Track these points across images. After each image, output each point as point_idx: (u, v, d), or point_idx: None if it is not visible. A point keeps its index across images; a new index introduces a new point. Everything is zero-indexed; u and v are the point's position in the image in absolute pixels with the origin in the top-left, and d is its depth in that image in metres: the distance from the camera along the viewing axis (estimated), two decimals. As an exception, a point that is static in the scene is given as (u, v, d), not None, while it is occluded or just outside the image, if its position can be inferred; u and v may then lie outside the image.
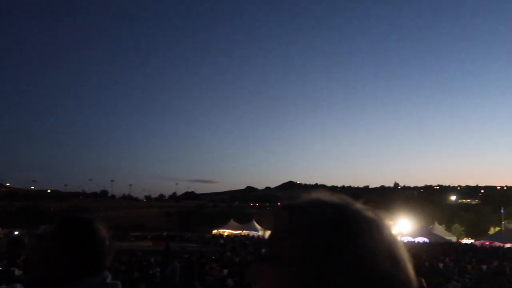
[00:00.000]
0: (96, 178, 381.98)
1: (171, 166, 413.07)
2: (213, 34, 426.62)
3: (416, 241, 40.80)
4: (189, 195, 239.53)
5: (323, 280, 0.73)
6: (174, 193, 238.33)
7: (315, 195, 0.85)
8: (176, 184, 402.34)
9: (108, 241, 1.64)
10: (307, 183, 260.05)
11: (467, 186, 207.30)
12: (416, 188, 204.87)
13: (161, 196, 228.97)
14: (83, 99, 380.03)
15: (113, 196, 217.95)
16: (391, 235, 0.80)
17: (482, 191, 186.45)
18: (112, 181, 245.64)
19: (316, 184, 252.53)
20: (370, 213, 0.81)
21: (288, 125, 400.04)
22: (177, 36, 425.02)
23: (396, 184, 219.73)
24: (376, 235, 0.77)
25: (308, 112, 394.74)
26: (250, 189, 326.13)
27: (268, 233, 0.84)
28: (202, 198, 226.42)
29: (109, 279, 1.61)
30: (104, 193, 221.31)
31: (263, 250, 0.85)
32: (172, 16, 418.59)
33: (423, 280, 9.89)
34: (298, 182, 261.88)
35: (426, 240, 41.57)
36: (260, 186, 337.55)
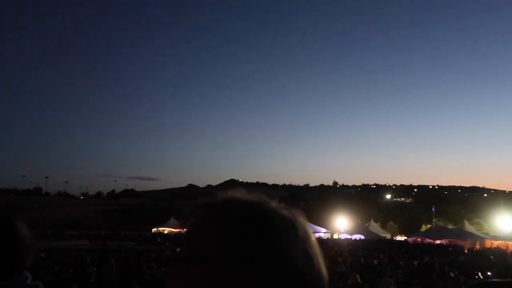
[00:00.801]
0: (29, 174, 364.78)
1: (109, 163, 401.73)
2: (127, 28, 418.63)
3: (353, 238, 41.94)
4: (129, 193, 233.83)
5: (237, 280, 0.73)
6: (113, 191, 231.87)
7: (232, 193, 0.85)
8: (115, 181, 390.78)
9: (29, 240, 1.55)
10: (249, 181, 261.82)
11: (401, 185, 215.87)
12: (354, 187, 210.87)
13: (99, 194, 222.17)
14: (12, 92, 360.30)
15: (47, 193, 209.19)
16: (305, 233, 0.81)
17: (416, 190, 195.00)
18: (46, 177, 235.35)
19: (258, 182, 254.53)
20: (285, 212, 0.82)
21: (230, 122, 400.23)
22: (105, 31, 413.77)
23: (335, 183, 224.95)
24: (290, 233, 0.78)
25: (249, 110, 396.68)
26: (191, 187, 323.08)
27: (184, 231, 0.82)
28: (142, 196, 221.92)
29: (29, 280, 1.52)
30: (37, 190, 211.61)
31: (178, 250, 0.83)
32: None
33: (357, 276, 10.22)
34: (240, 180, 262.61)
35: (362, 237, 42.79)
36: (202, 184, 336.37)
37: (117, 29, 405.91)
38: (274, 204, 0.83)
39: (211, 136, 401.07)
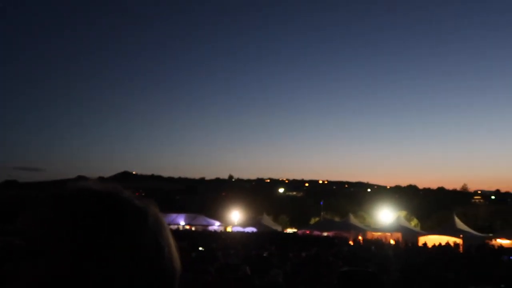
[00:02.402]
0: None
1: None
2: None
3: (245, 231, 42.51)
4: (11, 184, 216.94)
5: (86, 273, 0.69)
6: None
7: (83, 184, 0.81)
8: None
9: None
10: (143, 173, 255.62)
11: (294, 180, 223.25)
12: (249, 181, 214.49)
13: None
14: None
15: None
16: (157, 224, 0.80)
17: (307, 185, 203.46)
18: None
19: (153, 174, 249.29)
20: (137, 202, 0.80)
21: (123, 110, 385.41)
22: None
23: (231, 177, 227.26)
24: (141, 224, 0.76)
25: (145, 98, 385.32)
26: (81, 178, 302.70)
27: (29, 224, 0.76)
28: (26, 188, 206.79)
29: None
30: None
31: (19, 243, 0.76)
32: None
33: (247, 267, 10.29)
34: (134, 172, 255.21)
35: (255, 230, 43.49)
36: (93, 175, 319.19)
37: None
38: (126, 194, 0.80)
39: (103, 125, 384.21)
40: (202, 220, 46.67)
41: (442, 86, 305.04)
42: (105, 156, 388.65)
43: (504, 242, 30.76)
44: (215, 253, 18.40)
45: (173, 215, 46.43)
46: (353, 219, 46.09)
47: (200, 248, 21.97)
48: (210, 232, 39.60)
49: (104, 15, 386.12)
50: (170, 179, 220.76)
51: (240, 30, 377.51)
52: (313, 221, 61.18)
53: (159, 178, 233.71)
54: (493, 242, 31.26)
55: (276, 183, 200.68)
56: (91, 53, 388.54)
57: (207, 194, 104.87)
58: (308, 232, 42.59)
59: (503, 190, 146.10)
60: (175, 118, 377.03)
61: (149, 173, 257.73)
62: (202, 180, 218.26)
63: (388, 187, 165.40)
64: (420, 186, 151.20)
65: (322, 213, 64.46)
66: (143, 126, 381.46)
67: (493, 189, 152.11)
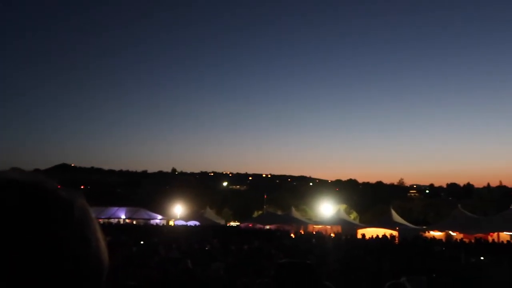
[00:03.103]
0: None
1: None
2: None
3: (188, 225, 42.28)
4: None
5: (8, 267, 0.65)
6: None
7: (4, 174, 0.76)
8: None
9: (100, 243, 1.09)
10: (83, 166, 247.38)
11: (238, 173, 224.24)
12: (192, 174, 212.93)
13: None
14: None
15: None
16: (83, 216, 0.77)
17: (251, 178, 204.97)
18: None
19: (92, 167, 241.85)
20: (62, 193, 0.76)
21: (60, 100, 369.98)
22: None
23: (174, 170, 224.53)
24: (65, 216, 0.73)
25: (84, 89, 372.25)
26: (15, 170, 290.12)
27: None
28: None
29: None
30: None
31: None
32: None
33: (189, 261, 10.25)
34: (72, 165, 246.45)
35: (197, 223, 43.34)
36: (29, 167, 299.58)
37: None
38: (51, 185, 0.76)
39: (40, 115, 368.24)
40: (144, 213, 45.97)
41: (381, 83, 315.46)
42: (43, 148, 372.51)
43: (436, 234, 32.32)
44: (156, 247, 18.21)
45: (114, 209, 45.43)
46: (295, 213, 46.84)
47: (142, 242, 21.67)
48: (152, 226, 39.12)
49: None
50: (111, 172, 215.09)
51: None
52: (256, 214, 61.65)
53: (99, 171, 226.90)
54: (427, 234, 32.78)
55: (220, 176, 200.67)
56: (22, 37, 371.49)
57: (150, 188, 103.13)
58: (251, 225, 42.93)
59: (436, 184, 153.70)
60: (115, 109, 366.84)
61: (89, 165, 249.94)
62: (144, 173, 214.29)
63: (330, 181, 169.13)
64: (360, 180, 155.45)
65: (265, 207, 65.09)
66: (83, 117, 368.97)
67: (428, 183, 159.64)
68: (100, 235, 0.78)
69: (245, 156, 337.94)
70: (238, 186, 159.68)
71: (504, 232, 28.93)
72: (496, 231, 29.51)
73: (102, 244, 0.78)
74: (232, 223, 56.27)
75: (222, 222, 52.70)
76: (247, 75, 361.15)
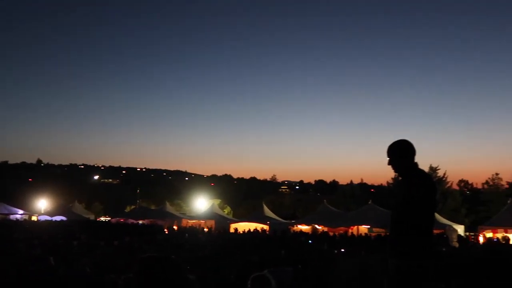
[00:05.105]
0: None
1: None
2: None
3: (54, 220, 40.01)
4: None
5: None
6: None
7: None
8: None
9: None
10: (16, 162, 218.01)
11: (110, 166, 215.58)
12: (60, 166, 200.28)
13: None
14: None
15: None
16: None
17: (124, 172, 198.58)
18: None
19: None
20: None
21: None
22: None
23: (40, 161, 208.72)
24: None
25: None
26: None
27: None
28: None
29: None
30: None
31: None
32: None
33: (51, 258, 9.64)
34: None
35: (64, 218, 41.26)
36: None
37: None
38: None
39: None
40: (3, 208, 42.99)
41: (257, 81, 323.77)
42: None
43: (304, 227, 34.35)
44: (16, 245, 16.97)
45: (-36, 202, 41.82)
46: (169, 207, 46.62)
47: (-2, 239, 20.00)
48: (12, 221, 36.56)
49: None
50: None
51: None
52: (128, 209, 60.20)
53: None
54: (295, 227, 34.68)
55: (91, 169, 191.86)
56: None
57: (10, 180, 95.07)
58: (122, 220, 41.79)
59: (306, 181, 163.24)
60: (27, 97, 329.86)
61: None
62: (4, 164, 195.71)
63: (205, 176, 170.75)
64: (235, 176, 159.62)
65: (138, 201, 63.81)
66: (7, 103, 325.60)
67: (298, 180, 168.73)
68: None
69: (119, 149, 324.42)
70: (110, 180, 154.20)
71: (363, 226, 31.65)
72: (356, 225, 32.18)
73: None
74: (103, 218, 54.24)
75: (92, 217, 50.84)
76: (120, 66, 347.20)
